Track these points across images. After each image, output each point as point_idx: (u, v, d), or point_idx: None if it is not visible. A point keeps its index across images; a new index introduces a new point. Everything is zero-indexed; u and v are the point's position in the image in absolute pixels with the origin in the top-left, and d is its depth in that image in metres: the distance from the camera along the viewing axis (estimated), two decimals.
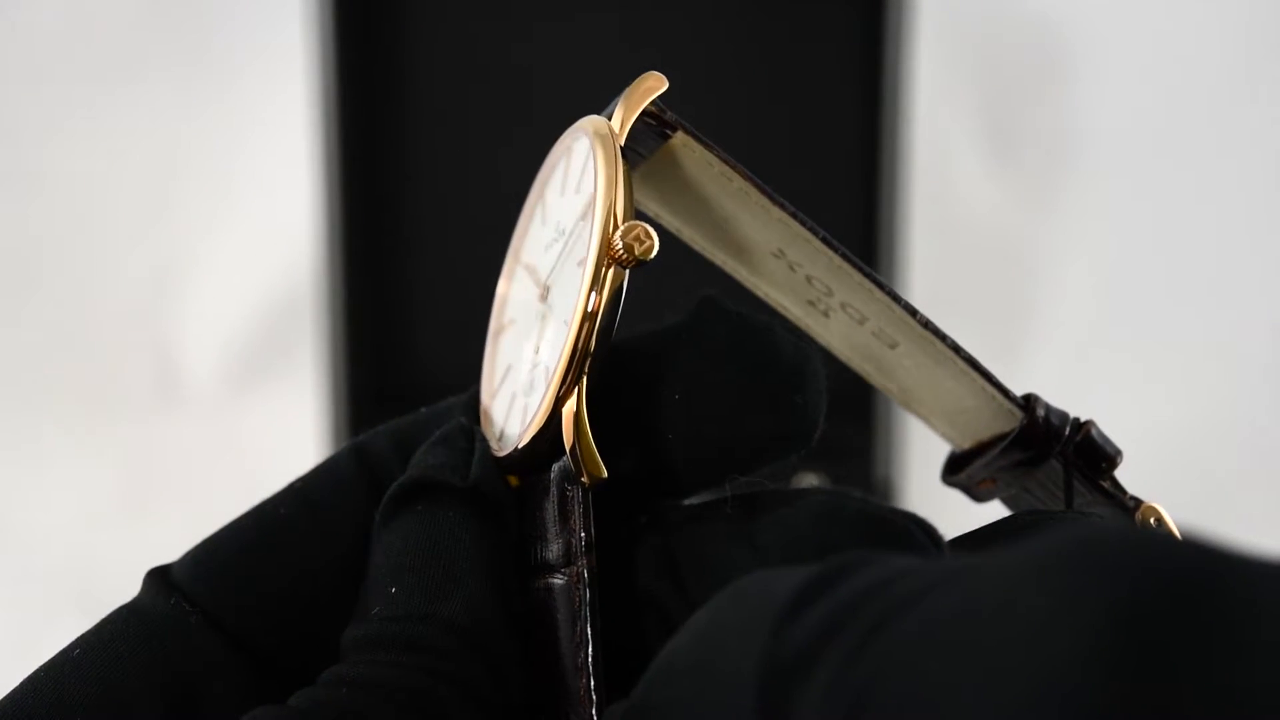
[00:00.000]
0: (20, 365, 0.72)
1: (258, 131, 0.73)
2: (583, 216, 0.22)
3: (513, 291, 0.24)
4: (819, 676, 0.16)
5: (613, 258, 0.21)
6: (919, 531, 0.21)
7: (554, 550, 0.21)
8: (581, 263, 0.21)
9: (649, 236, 0.21)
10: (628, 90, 0.23)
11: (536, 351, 0.22)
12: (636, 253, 0.21)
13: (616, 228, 0.21)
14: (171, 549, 0.25)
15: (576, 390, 0.21)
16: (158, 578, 0.24)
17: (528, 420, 0.21)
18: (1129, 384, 0.71)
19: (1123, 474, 0.28)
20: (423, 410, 0.26)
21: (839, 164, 0.66)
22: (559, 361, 0.21)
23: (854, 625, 0.16)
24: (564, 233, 0.22)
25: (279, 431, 0.69)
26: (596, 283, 0.20)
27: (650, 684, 0.19)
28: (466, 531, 0.22)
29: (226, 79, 0.73)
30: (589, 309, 0.20)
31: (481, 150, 0.66)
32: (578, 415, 0.21)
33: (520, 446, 0.21)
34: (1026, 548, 0.15)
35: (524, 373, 0.22)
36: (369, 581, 0.23)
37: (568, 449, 0.21)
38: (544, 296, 0.22)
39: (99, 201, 0.74)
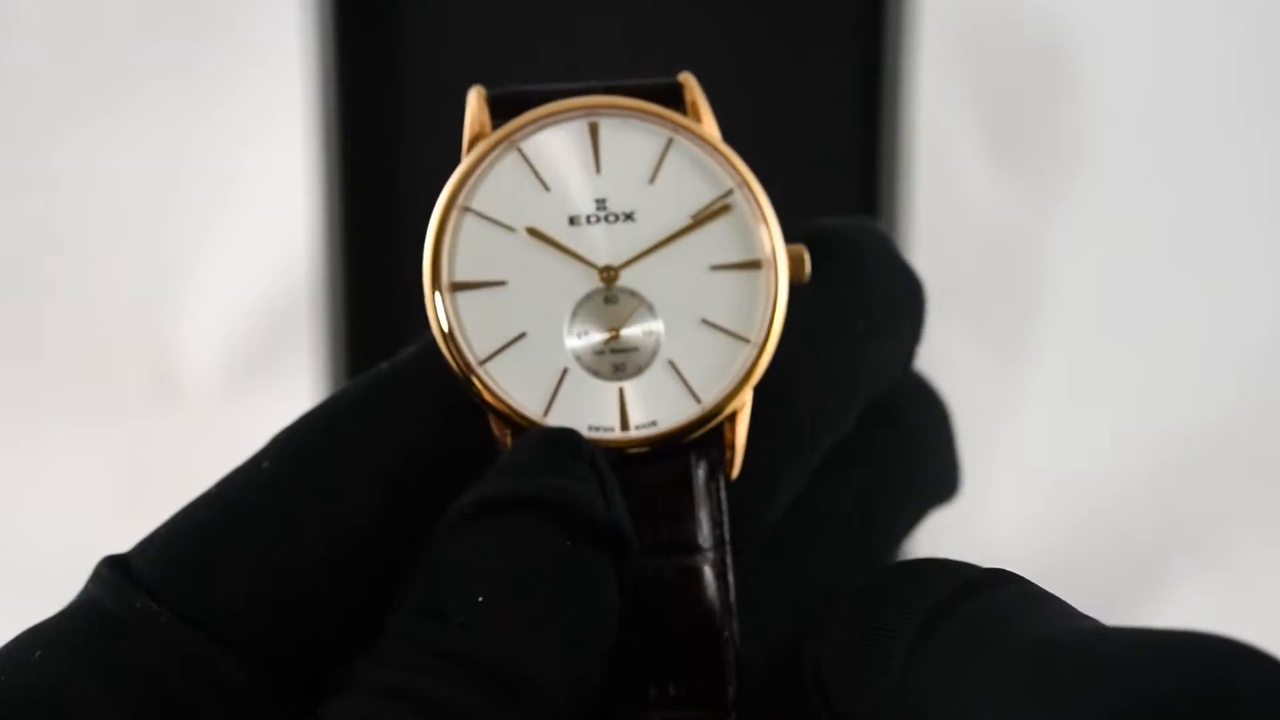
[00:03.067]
0: (20, 365, 0.72)
1: (257, 132, 0.73)
2: (692, 219, 0.23)
3: (500, 250, 0.23)
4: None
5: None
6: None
7: (699, 535, 0.22)
8: (729, 271, 0.23)
9: (805, 259, 0.23)
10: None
11: (614, 335, 0.22)
12: (801, 278, 0.23)
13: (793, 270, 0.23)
14: None
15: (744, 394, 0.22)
16: (117, 572, 0.22)
17: (680, 413, 0.22)
18: (1131, 382, 0.71)
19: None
20: (382, 366, 0.25)
21: (840, 163, 0.66)
22: (745, 370, 0.22)
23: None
24: (625, 216, 0.23)
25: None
26: (779, 312, 0.23)
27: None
28: (607, 587, 0.20)
29: (226, 80, 0.73)
30: (772, 332, 0.23)
31: None
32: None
33: (678, 439, 0.22)
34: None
35: (587, 353, 0.22)
36: (439, 572, 0.21)
37: (737, 448, 0.22)
38: (610, 280, 0.23)
39: (98, 201, 0.74)
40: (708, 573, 0.21)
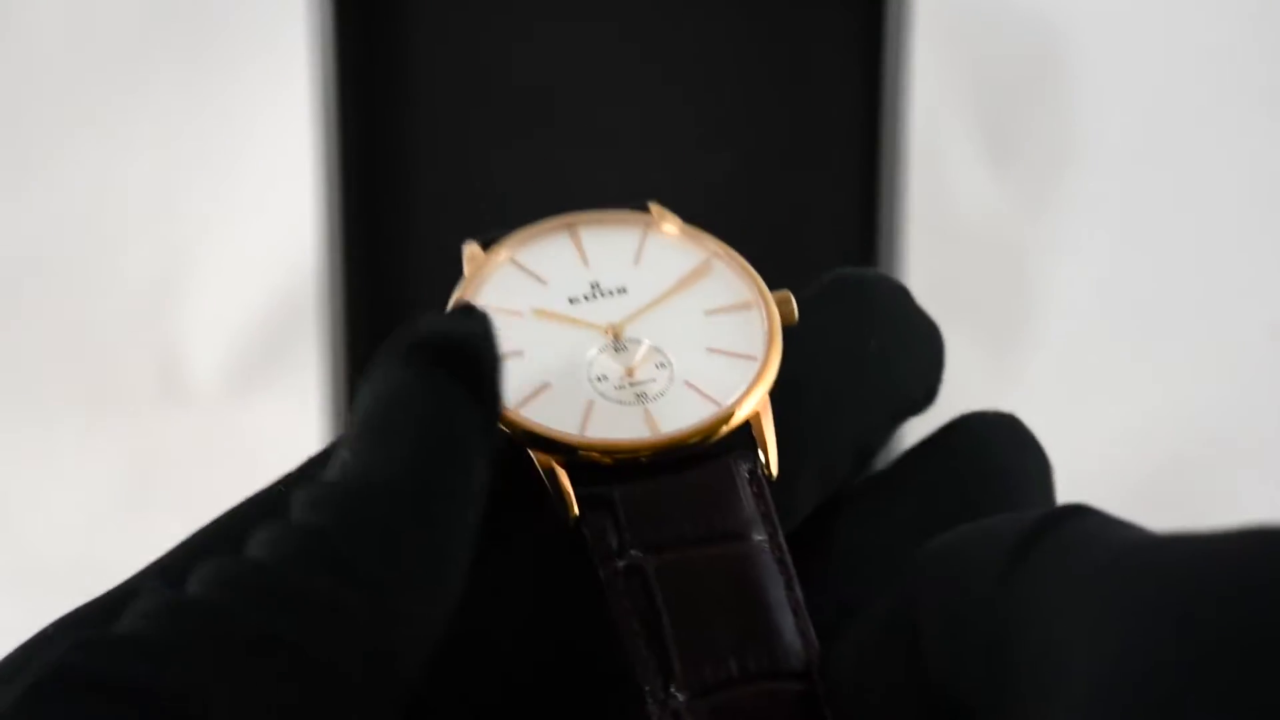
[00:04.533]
0: (21, 365, 0.72)
1: (260, 132, 0.73)
2: (679, 281, 0.26)
3: (512, 329, 0.25)
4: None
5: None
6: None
7: (752, 523, 0.23)
8: (734, 307, 0.26)
9: (792, 301, 0.25)
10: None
11: (629, 374, 0.25)
12: (790, 319, 0.25)
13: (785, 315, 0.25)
14: None
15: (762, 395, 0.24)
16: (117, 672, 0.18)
17: (705, 415, 0.24)
18: (1126, 383, 0.72)
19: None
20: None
21: (837, 165, 0.66)
22: (758, 374, 0.24)
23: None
24: (618, 291, 0.26)
25: (282, 431, 0.69)
26: (777, 330, 0.25)
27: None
28: (474, 435, 0.21)
29: (229, 79, 0.74)
30: (773, 335, 0.25)
31: (483, 151, 0.66)
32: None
33: (708, 437, 0.24)
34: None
35: (609, 391, 0.25)
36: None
37: (769, 449, 0.24)
38: (616, 334, 0.25)
39: (101, 200, 0.74)
40: (766, 554, 0.23)
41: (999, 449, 0.26)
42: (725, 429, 0.24)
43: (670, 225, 0.27)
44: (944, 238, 0.72)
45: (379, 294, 0.66)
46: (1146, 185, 0.74)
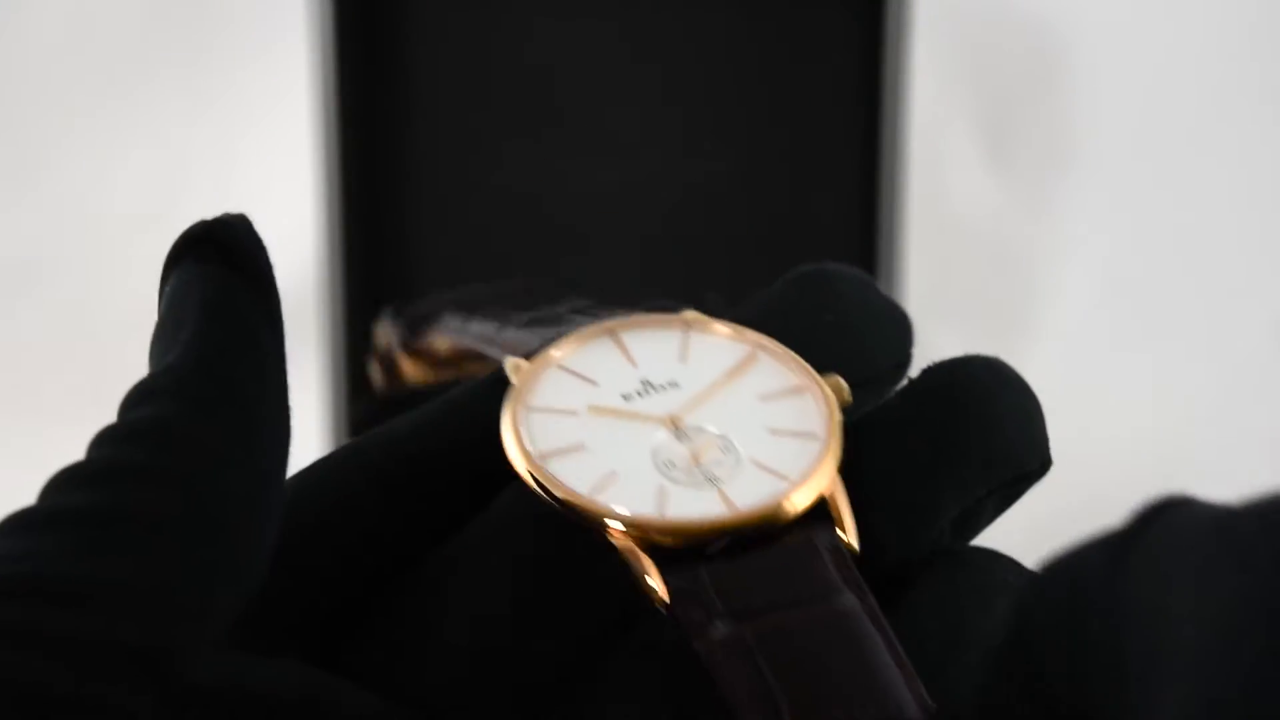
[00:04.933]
0: (22, 365, 0.72)
1: (260, 133, 0.73)
2: (728, 373, 0.26)
3: (570, 426, 0.25)
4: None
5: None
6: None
7: (841, 589, 0.23)
8: (792, 392, 0.26)
9: (843, 385, 0.25)
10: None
11: (695, 461, 0.25)
12: (844, 401, 0.25)
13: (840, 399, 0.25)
14: None
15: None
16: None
17: (779, 491, 0.24)
18: (1126, 384, 0.72)
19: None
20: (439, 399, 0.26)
21: (837, 166, 0.66)
22: (824, 449, 0.24)
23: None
24: (670, 385, 0.26)
25: None
26: (836, 410, 0.25)
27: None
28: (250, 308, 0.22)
29: (229, 80, 0.74)
30: (832, 414, 0.25)
31: (484, 151, 0.66)
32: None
33: (784, 513, 0.24)
34: None
35: (679, 476, 0.24)
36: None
37: (847, 524, 0.24)
38: (677, 425, 0.25)
39: (101, 201, 0.74)
40: (863, 615, 0.23)
41: (974, 384, 0.25)
42: (803, 504, 0.24)
43: (706, 321, 0.27)
44: (944, 238, 0.72)
45: (379, 294, 0.66)
46: (1146, 185, 0.74)
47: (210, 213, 0.24)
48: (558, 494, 0.24)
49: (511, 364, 0.26)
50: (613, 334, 0.27)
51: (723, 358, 0.26)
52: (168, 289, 0.22)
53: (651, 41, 0.66)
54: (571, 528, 0.24)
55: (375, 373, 0.37)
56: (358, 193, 0.64)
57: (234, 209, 0.25)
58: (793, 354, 0.26)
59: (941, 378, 0.25)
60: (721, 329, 0.27)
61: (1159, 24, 0.74)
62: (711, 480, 0.24)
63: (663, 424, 0.25)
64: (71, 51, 0.74)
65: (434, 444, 0.25)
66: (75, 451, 0.20)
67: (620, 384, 0.26)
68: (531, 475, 0.24)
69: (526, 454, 0.25)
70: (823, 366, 0.26)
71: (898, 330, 0.27)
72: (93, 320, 0.72)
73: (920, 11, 0.65)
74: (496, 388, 0.26)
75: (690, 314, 0.27)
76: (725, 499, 0.24)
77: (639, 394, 0.26)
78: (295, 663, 0.22)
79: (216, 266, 0.22)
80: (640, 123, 0.66)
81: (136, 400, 0.20)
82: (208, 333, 0.21)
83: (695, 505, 0.24)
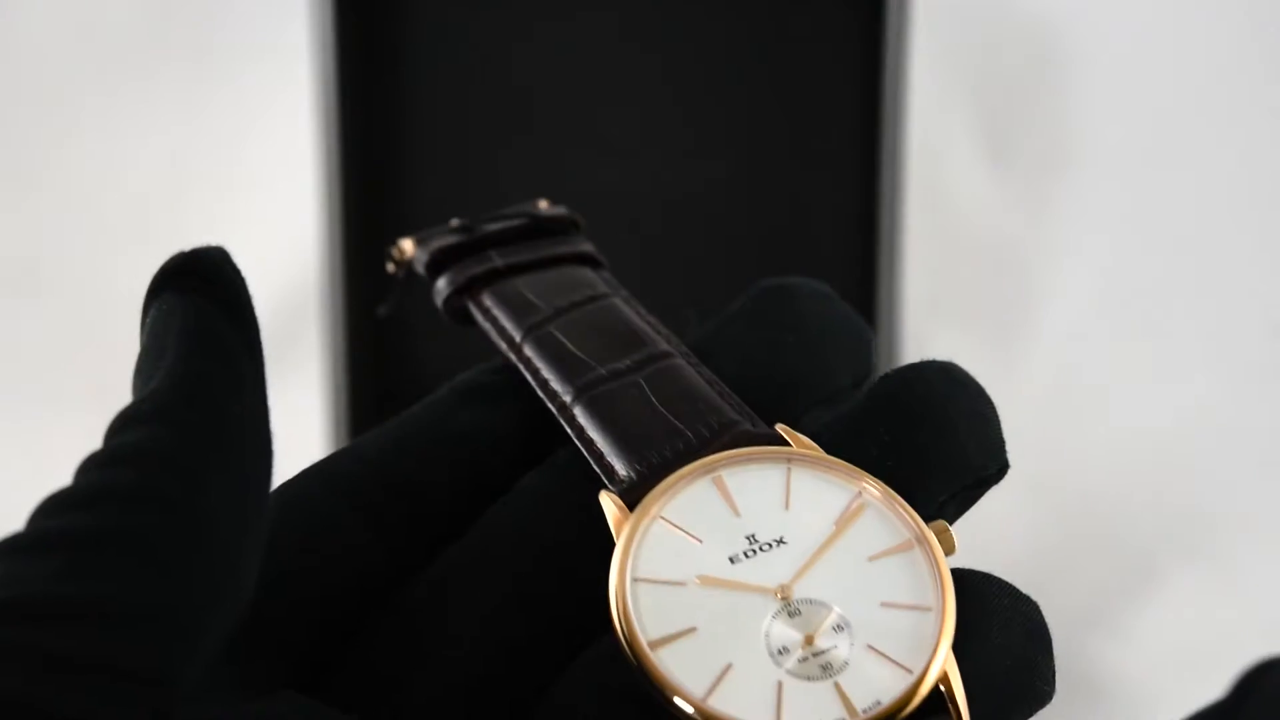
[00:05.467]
0: (23, 365, 0.72)
1: (261, 131, 0.73)
2: (836, 525, 0.26)
3: (680, 603, 0.25)
4: None
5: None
6: None
7: None
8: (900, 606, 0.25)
9: (949, 532, 0.25)
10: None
11: (809, 642, 0.24)
12: (951, 550, 0.25)
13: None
14: None
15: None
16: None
17: (898, 686, 0.24)
18: (1126, 385, 0.72)
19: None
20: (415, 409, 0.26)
21: (836, 166, 0.66)
22: (939, 631, 0.24)
23: None
24: (777, 542, 0.26)
25: (284, 430, 0.69)
26: (946, 575, 0.25)
27: None
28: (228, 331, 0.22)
29: (230, 79, 0.74)
30: (943, 578, 0.25)
31: (484, 150, 0.66)
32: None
33: (902, 709, 0.24)
34: None
35: (793, 665, 0.24)
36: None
37: (963, 711, 0.24)
38: (787, 597, 0.25)
39: (103, 200, 0.74)
40: None
41: (928, 390, 0.25)
42: (919, 699, 0.24)
43: (805, 453, 0.26)
44: (944, 238, 0.72)
45: (379, 295, 0.66)
46: (1146, 185, 0.74)
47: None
48: (677, 701, 0.24)
49: (605, 500, 0.26)
50: (714, 475, 0.26)
51: (828, 504, 0.26)
52: (149, 319, 0.22)
53: (651, 42, 0.66)
54: (553, 547, 0.24)
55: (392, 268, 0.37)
56: (358, 193, 0.64)
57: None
58: (895, 496, 0.26)
59: (896, 385, 0.25)
60: (821, 467, 0.26)
61: (1159, 25, 0.74)
62: (826, 670, 0.24)
63: (773, 596, 0.25)
64: (73, 52, 0.74)
65: (411, 465, 0.25)
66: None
67: (726, 542, 0.26)
68: (644, 667, 0.24)
69: (637, 643, 0.24)
70: (786, 387, 0.26)
71: (859, 346, 0.27)
72: (93, 320, 0.72)
73: (920, 13, 0.65)
74: (468, 396, 0.26)
75: (790, 449, 0.26)
76: (842, 697, 0.24)
77: (746, 554, 0.25)
78: (290, 693, 0.22)
79: (195, 297, 0.22)
80: (640, 123, 0.66)
81: (120, 427, 0.20)
82: (188, 360, 0.21)
83: (814, 709, 0.24)
